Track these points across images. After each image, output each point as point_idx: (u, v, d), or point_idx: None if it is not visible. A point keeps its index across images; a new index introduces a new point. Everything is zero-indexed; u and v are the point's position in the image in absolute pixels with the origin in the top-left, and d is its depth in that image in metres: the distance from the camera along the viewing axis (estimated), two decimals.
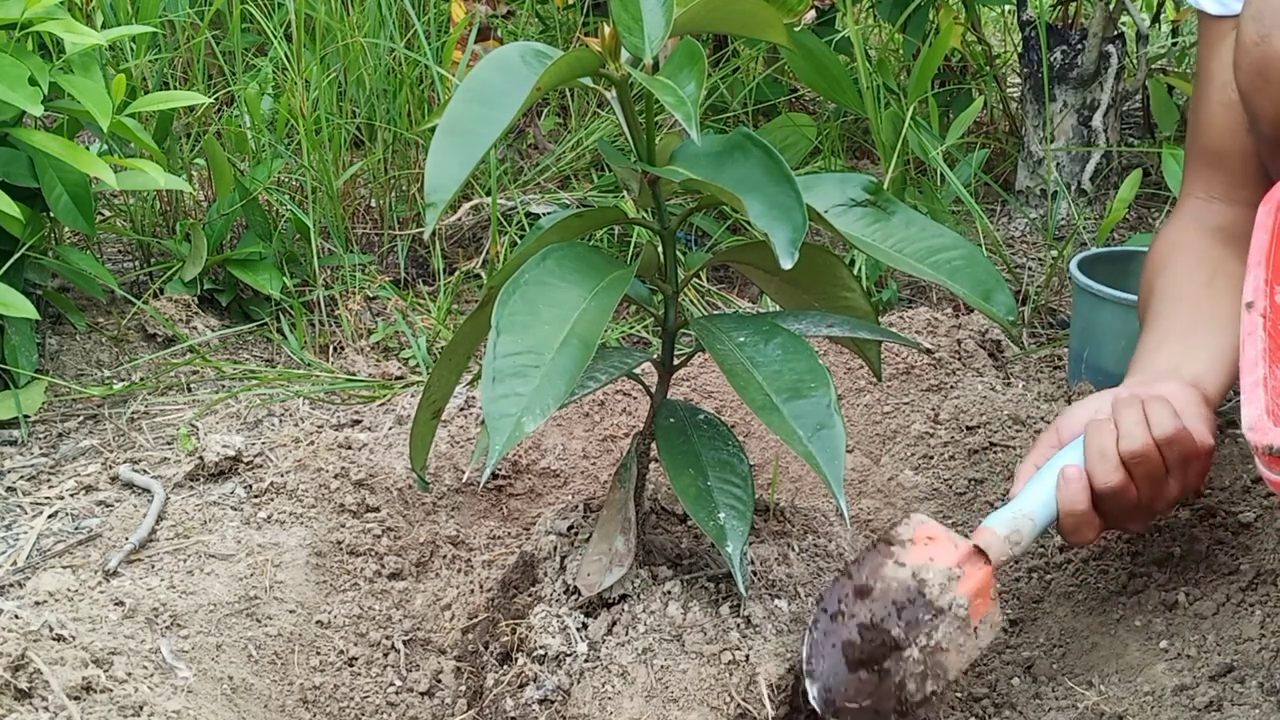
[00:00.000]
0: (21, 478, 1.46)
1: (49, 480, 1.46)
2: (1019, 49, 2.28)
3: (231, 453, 1.43)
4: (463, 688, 1.22)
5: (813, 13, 2.34)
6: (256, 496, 1.38)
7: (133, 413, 1.60)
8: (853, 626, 1.08)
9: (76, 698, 1.03)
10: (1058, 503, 1.15)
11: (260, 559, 1.28)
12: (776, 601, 1.13)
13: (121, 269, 1.91)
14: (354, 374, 1.72)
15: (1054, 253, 1.94)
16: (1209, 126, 1.35)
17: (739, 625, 1.10)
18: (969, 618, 1.09)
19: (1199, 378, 1.22)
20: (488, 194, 1.98)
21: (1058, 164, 2.12)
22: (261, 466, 1.43)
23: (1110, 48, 2.09)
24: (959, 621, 1.09)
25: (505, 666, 1.14)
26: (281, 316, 1.85)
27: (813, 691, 1.06)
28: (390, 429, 1.52)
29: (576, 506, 1.25)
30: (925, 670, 1.07)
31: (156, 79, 1.98)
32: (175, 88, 2.04)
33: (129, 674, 1.08)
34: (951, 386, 1.64)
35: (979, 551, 1.13)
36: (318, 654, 1.22)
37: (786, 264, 0.91)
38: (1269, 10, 1.15)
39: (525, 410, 0.89)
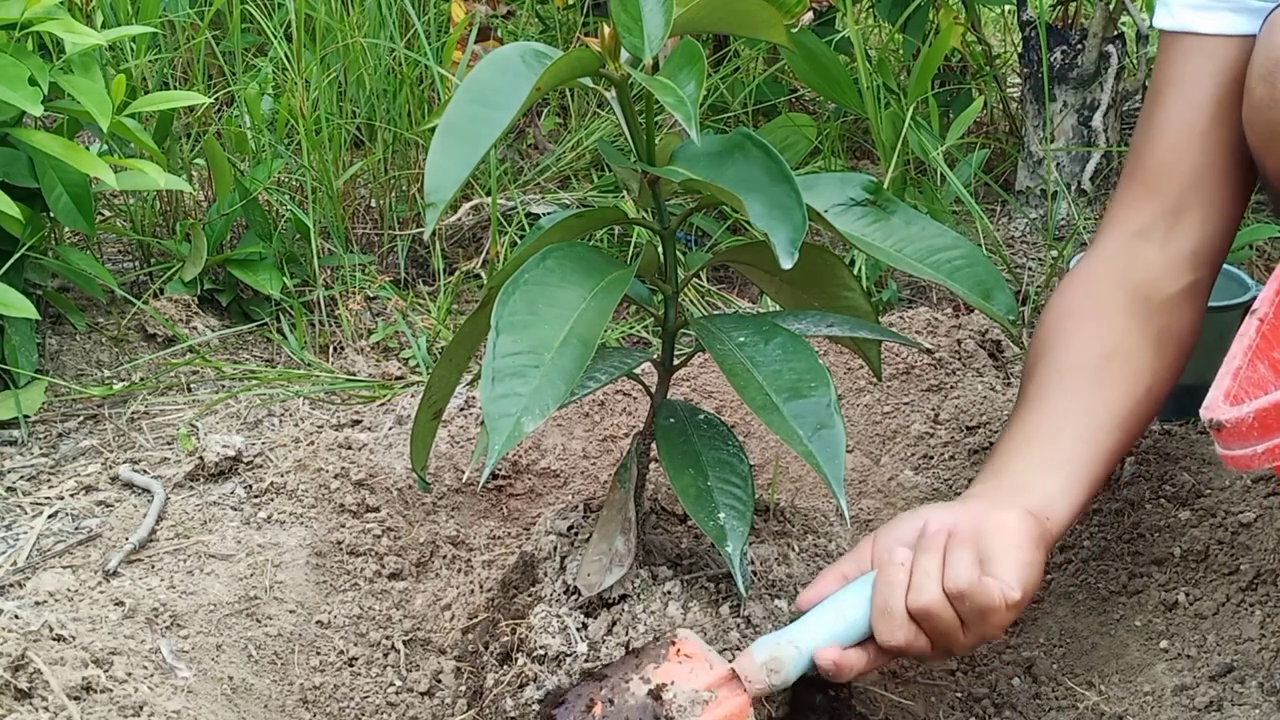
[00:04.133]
0: (21, 478, 1.46)
1: (49, 480, 1.46)
2: (1019, 49, 2.27)
3: (231, 453, 1.43)
4: (463, 688, 1.22)
5: (810, 14, 2.34)
6: (256, 496, 1.38)
7: (133, 413, 1.60)
8: None
9: (76, 698, 1.03)
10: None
11: (260, 559, 1.28)
12: (776, 602, 1.13)
13: (121, 269, 1.91)
14: (354, 374, 1.72)
15: (1054, 253, 1.94)
16: (1169, 152, 1.23)
17: (739, 625, 1.10)
18: None
19: (1048, 502, 1.09)
20: (488, 194, 1.98)
21: (1058, 164, 2.12)
22: (261, 466, 1.43)
23: (1110, 48, 2.09)
24: None
25: (505, 666, 1.14)
26: (281, 316, 1.85)
27: None
28: (390, 429, 1.52)
29: (576, 506, 1.25)
30: None
31: (156, 79, 1.97)
32: (175, 88, 2.04)
33: (129, 674, 1.08)
34: (951, 386, 1.64)
35: (736, 677, 1.02)
36: (318, 654, 1.22)
37: (786, 264, 0.91)
38: None
39: (525, 410, 0.89)
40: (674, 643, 1.04)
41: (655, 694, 1.00)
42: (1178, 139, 1.23)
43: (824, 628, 1.04)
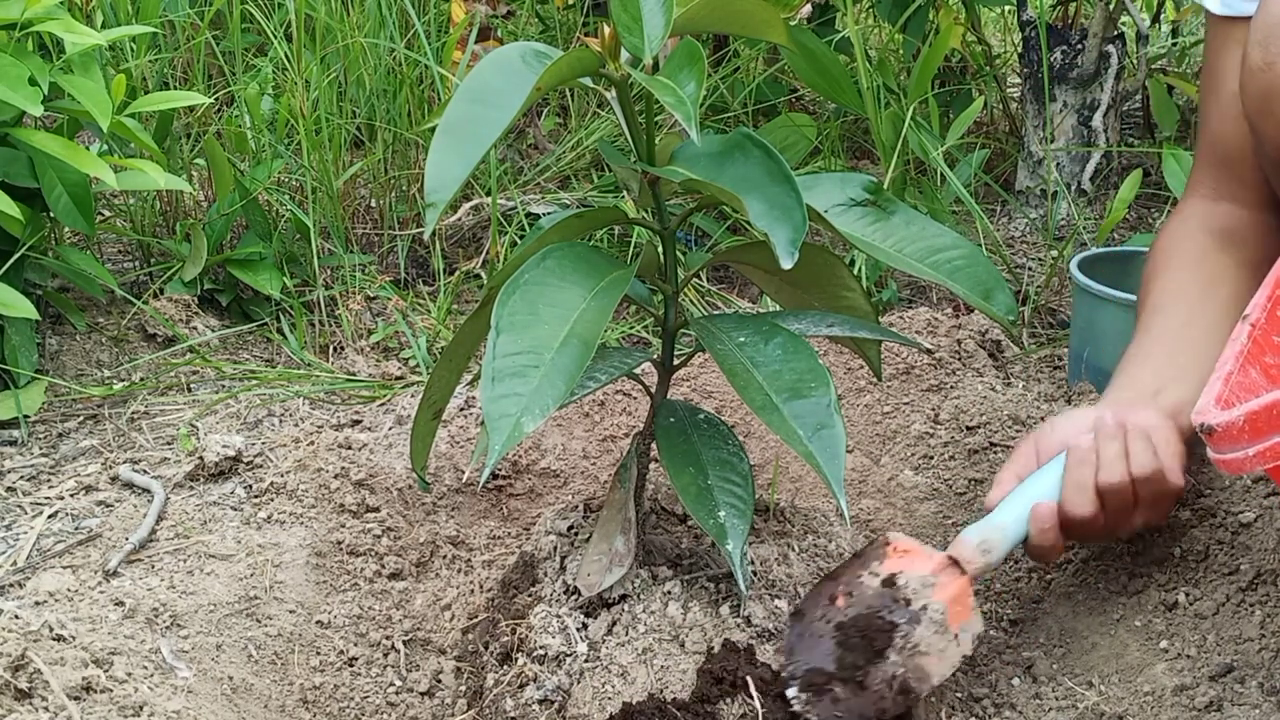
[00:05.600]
0: (21, 478, 1.46)
1: (49, 480, 1.46)
2: (1019, 49, 2.28)
3: (231, 453, 1.43)
4: (463, 688, 1.22)
5: (809, 7, 2.34)
6: (256, 496, 1.38)
7: (133, 413, 1.60)
8: (831, 630, 1.09)
9: (76, 698, 1.03)
10: (1029, 533, 1.18)
11: (260, 559, 1.28)
12: (777, 601, 1.13)
13: (121, 269, 1.91)
14: (354, 374, 1.72)
15: (1054, 253, 1.94)
16: (1217, 126, 1.34)
17: (739, 625, 1.10)
18: (946, 622, 1.10)
19: (1179, 407, 1.20)
20: (488, 194, 1.98)
21: (1058, 164, 2.12)
22: (261, 466, 1.43)
23: (1110, 48, 2.09)
24: (936, 625, 1.10)
25: (505, 666, 1.14)
26: (281, 316, 1.85)
27: (793, 693, 1.06)
28: (390, 429, 1.52)
29: (576, 506, 1.25)
30: (906, 674, 1.08)
31: (156, 79, 1.98)
32: (175, 88, 2.04)
33: (129, 674, 1.08)
34: (951, 386, 1.64)
35: (954, 562, 1.15)
36: (318, 654, 1.22)
37: (786, 264, 0.91)
38: (1275, 36, 1.15)
39: (525, 410, 0.89)
40: (888, 543, 1.16)
41: (888, 582, 1.12)
42: (1220, 111, 1.33)
43: (1021, 509, 1.18)
